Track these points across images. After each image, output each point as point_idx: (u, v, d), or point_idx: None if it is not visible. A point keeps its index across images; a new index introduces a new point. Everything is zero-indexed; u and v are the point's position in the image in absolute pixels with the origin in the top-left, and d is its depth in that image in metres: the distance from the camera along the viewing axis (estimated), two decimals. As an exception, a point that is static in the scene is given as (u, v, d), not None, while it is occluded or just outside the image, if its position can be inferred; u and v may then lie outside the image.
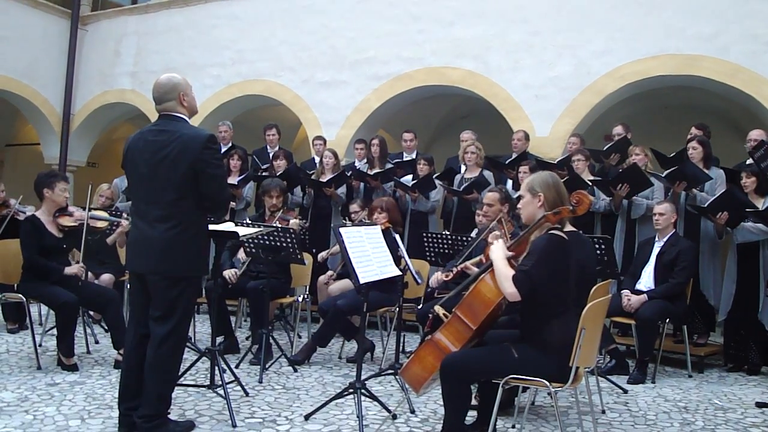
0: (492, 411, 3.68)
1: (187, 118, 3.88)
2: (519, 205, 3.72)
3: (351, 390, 4.31)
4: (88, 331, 6.19)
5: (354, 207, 6.88)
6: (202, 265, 3.93)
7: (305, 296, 6.71)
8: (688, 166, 6.29)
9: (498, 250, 3.54)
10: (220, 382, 4.35)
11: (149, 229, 3.72)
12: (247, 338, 6.49)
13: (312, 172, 8.40)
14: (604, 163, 7.48)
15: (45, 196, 5.50)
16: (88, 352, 5.90)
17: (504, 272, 3.41)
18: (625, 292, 5.82)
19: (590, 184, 6.68)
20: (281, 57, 10.74)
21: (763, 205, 5.82)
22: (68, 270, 5.39)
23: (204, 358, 4.76)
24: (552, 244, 3.44)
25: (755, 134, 6.41)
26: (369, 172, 8.03)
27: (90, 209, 5.78)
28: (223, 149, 8.36)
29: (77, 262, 5.56)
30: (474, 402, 3.95)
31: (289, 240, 5.68)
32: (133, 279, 3.97)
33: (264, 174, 8.21)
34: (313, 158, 9.05)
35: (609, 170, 7.23)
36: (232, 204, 7.70)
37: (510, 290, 3.36)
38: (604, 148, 7.49)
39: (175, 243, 3.70)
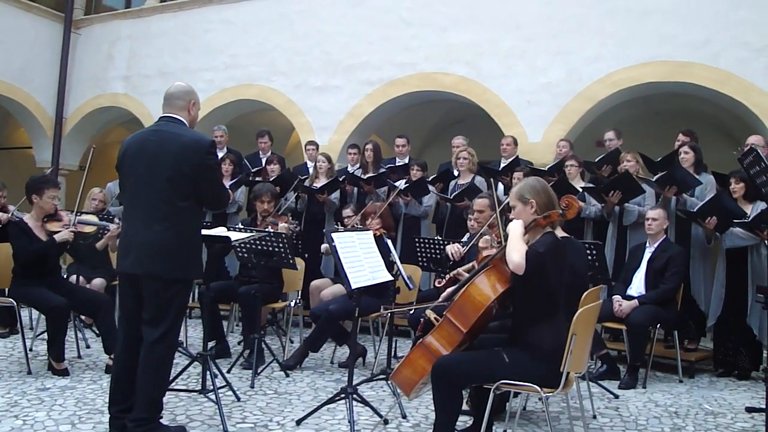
0: (490, 416, 3.71)
1: (187, 124, 3.91)
2: (511, 216, 3.72)
3: (343, 395, 4.32)
4: (79, 335, 6.17)
5: (347, 212, 6.89)
6: (196, 268, 3.92)
7: (297, 301, 6.71)
8: (678, 171, 6.32)
9: (517, 225, 3.55)
10: (211, 387, 4.34)
11: (144, 229, 3.72)
12: (239, 343, 6.48)
13: (305, 177, 8.40)
14: (596, 174, 7.51)
15: (33, 201, 5.49)
16: (79, 356, 5.88)
17: (517, 245, 3.41)
18: (616, 297, 5.84)
19: (580, 190, 6.70)
20: (274, 62, 10.75)
21: (751, 210, 5.86)
22: (59, 236, 5.36)
23: (195, 362, 4.76)
24: (555, 242, 3.48)
25: (752, 140, 6.39)
26: (363, 177, 8.04)
27: (79, 213, 5.76)
28: (219, 154, 8.36)
29: (68, 266, 5.54)
30: (465, 407, 3.95)
31: (281, 245, 5.68)
32: (123, 281, 3.93)
33: (256, 179, 8.21)
34: (306, 163, 9.05)
35: (601, 181, 7.25)
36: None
37: (517, 260, 3.33)
38: (596, 160, 7.52)
39: (169, 245, 3.69)
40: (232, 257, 6.81)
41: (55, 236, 5.37)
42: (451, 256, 5.56)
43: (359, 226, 6.33)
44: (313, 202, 8.13)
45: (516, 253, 3.36)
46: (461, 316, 3.51)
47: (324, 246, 6.85)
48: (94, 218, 6.31)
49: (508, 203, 3.85)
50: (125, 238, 3.87)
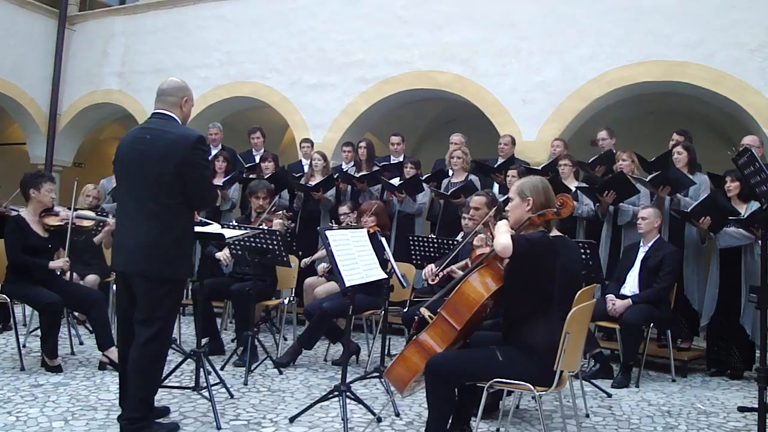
0: (469, 410, 3.72)
1: (179, 121, 3.87)
2: (507, 208, 3.75)
3: (336, 393, 4.32)
4: (73, 332, 6.16)
5: (344, 209, 6.90)
6: (187, 267, 3.91)
7: (291, 298, 6.71)
8: (671, 171, 6.33)
9: (504, 221, 3.60)
10: (205, 384, 4.34)
11: (134, 227, 3.71)
12: (232, 340, 6.48)
13: (300, 175, 8.40)
14: (590, 174, 7.52)
15: (31, 196, 5.48)
16: (73, 353, 5.87)
17: (504, 232, 3.44)
18: (610, 296, 5.85)
19: (573, 189, 6.71)
20: (269, 59, 10.73)
21: (745, 210, 5.88)
22: (53, 264, 5.35)
23: (189, 359, 4.75)
24: (545, 238, 3.48)
25: (747, 140, 6.41)
26: (356, 175, 8.04)
27: (76, 209, 5.75)
28: (214, 151, 8.34)
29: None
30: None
31: (275, 242, 5.67)
32: (118, 280, 3.95)
33: (251, 176, 8.20)
34: (300, 161, 9.05)
35: (595, 180, 7.27)
36: (217, 204, 7.69)
37: (505, 241, 3.35)
38: (589, 161, 7.54)
39: (158, 243, 3.68)
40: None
41: (51, 264, 5.35)
42: (423, 276, 5.58)
43: (354, 224, 6.33)
44: (309, 200, 8.12)
45: (503, 236, 3.40)
46: (455, 314, 3.51)
47: (304, 262, 6.86)
48: (90, 213, 6.30)
49: (504, 202, 3.87)
50: (117, 236, 3.89)
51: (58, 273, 5.46)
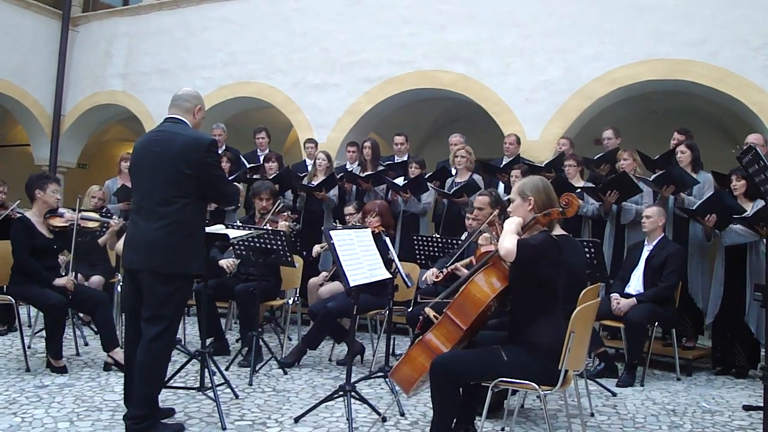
0: (473, 410, 3.73)
1: (191, 126, 4.00)
2: (510, 209, 3.75)
3: (341, 393, 4.32)
4: (78, 333, 6.17)
5: (349, 209, 6.90)
6: (196, 263, 3.93)
7: (295, 298, 6.71)
8: (675, 170, 6.32)
9: (513, 220, 3.60)
10: (209, 385, 4.34)
11: (146, 225, 3.79)
12: (237, 341, 6.48)
13: (304, 174, 8.40)
14: (594, 173, 7.51)
15: (36, 197, 5.49)
16: (78, 354, 5.88)
17: (510, 235, 3.43)
18: (615, 295, 5.84)
19: (578, 188, 6.71)
20: (273, 59, 10.73)
21: (751, 208, 5.86)
22: (58, 281, 5.35)
23: (194, 360, 4.76)
24: (549, 239, 3.48)
25: (751, 139, 6.39)
26: (361, 175, 8.04)
27: (80, 210, 5.77)
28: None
29: (67, 263, 5.54)
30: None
31: (279, 242, 5.68)
32: (127, 278, 4.00)
33: (254, 176, 8.20)
34: (305, 161, 9.05)
35: (600, 179, 7.26)
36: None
37: (509, 246, 3.35)
38: (595, 158, 7.52)
39: (168, 240, 3.75)
40: (230, 254, 6.80)
41: (56, 281, 5.34)
42: (424, 279, 5.59)
43: (358, 224, 6.34)
44: (312, 200, 8.13)
45: (508, 240, 3.39)
46: (461, 314, 3.52)
47: (315, 249, 6.88)
48: (95, 215, 6.32)
49: (508, 201, 3.87)
50: (130, 234, 3.96)
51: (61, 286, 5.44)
